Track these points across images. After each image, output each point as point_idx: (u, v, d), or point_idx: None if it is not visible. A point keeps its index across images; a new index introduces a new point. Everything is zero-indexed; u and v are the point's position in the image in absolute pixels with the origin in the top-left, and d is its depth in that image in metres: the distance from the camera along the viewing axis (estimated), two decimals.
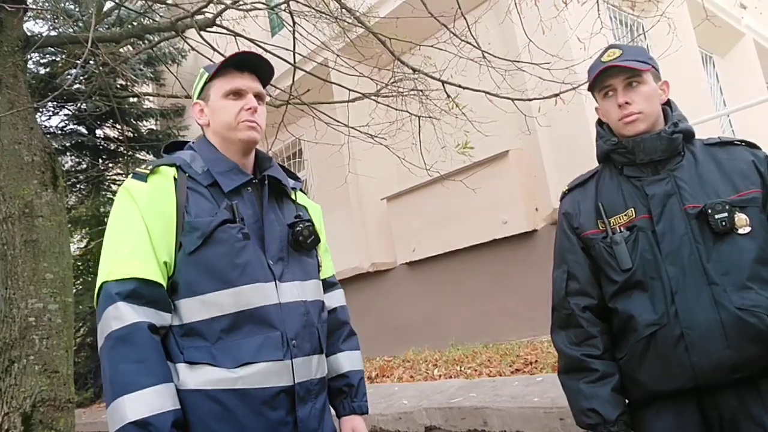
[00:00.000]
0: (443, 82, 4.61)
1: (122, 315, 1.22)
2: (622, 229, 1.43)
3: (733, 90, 8.67)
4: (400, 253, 7.07)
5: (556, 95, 4.52)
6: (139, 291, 1.25)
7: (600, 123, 1.57)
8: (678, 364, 1.33)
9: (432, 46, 4.67)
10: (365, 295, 7.27)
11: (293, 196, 1.57)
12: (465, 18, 4.43)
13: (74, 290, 8.28)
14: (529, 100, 4.80)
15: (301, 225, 1.45)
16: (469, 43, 4.52)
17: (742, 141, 1.51)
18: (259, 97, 1.46)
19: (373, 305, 7.17)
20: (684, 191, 1.39)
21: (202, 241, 1.30)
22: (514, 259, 6.06)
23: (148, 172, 1.37)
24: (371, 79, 4.93)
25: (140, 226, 1.30)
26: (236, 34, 4.70)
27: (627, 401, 1.47)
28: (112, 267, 1.27)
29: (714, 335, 1.30)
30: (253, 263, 1.34)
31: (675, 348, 1.33)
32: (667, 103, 1.53)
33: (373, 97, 4.86)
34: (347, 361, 1.59)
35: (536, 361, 4.24)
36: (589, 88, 1.55)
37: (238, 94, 1.42)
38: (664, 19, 4.53)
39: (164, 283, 1.29)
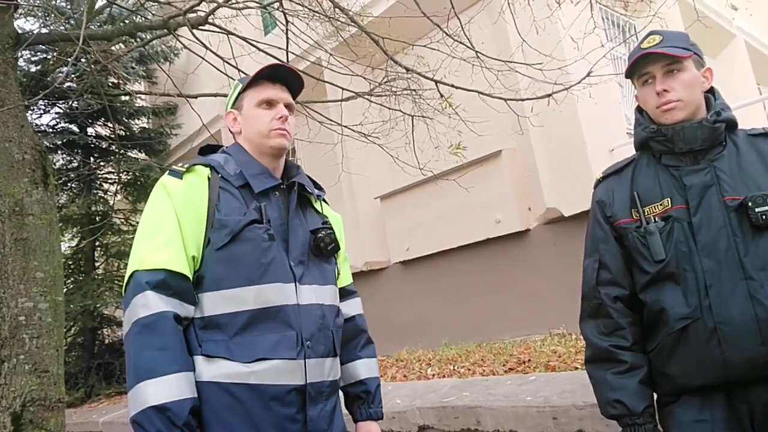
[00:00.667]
0: (436, 82, 4.61)
1: (150, 303, 1.28)
2: (656, 219, 1.40)
3: (724, 90, 8.68)
4: (393, 252, 7.07)
5: (549, 95, 4.53)
6: (167, 282, 1.30)
7: (639, 110, 1.53)
8: (710, 358, 1.31)
9: (425, 46, 4.67)
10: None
11: (318, 205, 1.63)
12: (458, 18, 4.43)
13: (65, 289, 8.22)
14: (522, 100, 4.81)
15: (323, 232, 1.52)
16: (462, 43, 4.52)
17: None
18: (289, 107, 1.53)
19: (367, 304, 7.04)
20: (724, 183, 1.35)
21: (230, 239, 1.36)
22: (507, 259, 6.07)
23: (184, 170, 1.44)
24: (364, 78, 4.93)
25: (173, 220, 1.36)
26: (229, 33, 4.69)
27: (655, 395, 1.46)
28: (143, 256, 1.33)
29: (749, 331, 1.27)
30: (277, 263, 1.39)
31: (707, 342, 1.31)
32: (711, 91, 1.48)
33: (366, 97, 4.86)
34: (365, 368, 1.65)
35: (529, 360, 4.26)
36: (627, 75, 1.51)
37: (270, 103, 1.50)
38: (657, 19, 4.55)
39: (191, 277, 1.35)
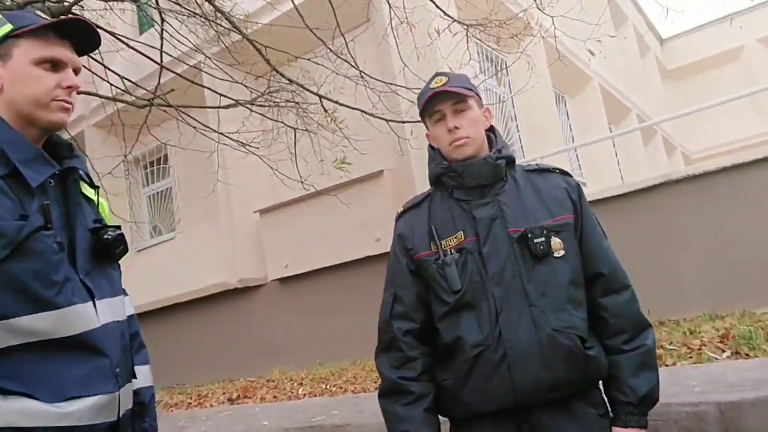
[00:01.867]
0: (320, 97, 4.61)
1: None
2: (452, 251, 1.45)
3: (580, 127, 9.68)
4: (271, 268, 6.87)
5: None
6: None
7: (432, 147, 1.62)
8: (501, 383, 1.36)
9: (309, 59, 4.66)
10: (231, 313, 6.95)
11: (90, 193, 1.32)
12: (343, 36, 4.48)
13: None
14: (403, 122, 4.96)
15: (110, 232, 1.24)
16: (347, 61, 4.58)
17: (556, 169, 1.59)
18: (76, 72, 1.24)
19: (239, 324, 6.88)
20: (507, 215, 1.45)
21: (8, 252, 1.05)
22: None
23: None
24: (246, 87, 4.80)
25: None
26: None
27: (450, 419, 1.50)
28: None
29: (533, 355, 1.34)
30: (72, 279, 1.13)
31: (498, 368, 1.36)
32: (491, 130, 1.60)
33: (247, 106, 4.72)
34: (140, 376, 1.40)
35: None
36: (421, 114, 1.59)
37: (55, 64, 1.19)
38: (525, 57, 4.94)
39: None
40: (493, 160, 1.49)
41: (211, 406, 5.03)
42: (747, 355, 2.97)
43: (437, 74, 1.56)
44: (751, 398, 2.11)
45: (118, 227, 1.28)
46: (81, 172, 1.27)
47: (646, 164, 11.03)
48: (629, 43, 13.45)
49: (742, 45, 16.53)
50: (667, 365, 3.13)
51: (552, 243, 1.41)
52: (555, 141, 7.35)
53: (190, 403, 5.44)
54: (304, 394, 4.53)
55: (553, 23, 4.55)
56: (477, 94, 1.55)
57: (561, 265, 1.41)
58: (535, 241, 1.40)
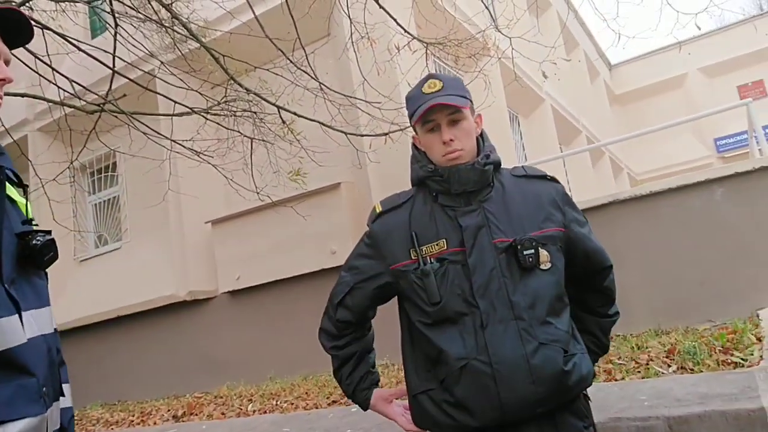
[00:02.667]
0: (279, 108, 4.56)
1: None
2: (432, 260, 1.39)
3: (533, 146, 9.97)
4: (222, 281, 6.71)
5: (386, 134, 4.73)
6: None
7: (416, 148, 1.55)
8: (487, 398, 1.32)
9: (269, 70, 4.61)
10: (179, 327, 6.73)
11: (16, 194, 1.20)
12: (304, 48, 4.45)
13: None
14: (361, 135, 4.96)
15: (39, 237, 1.12)
16: (306, 73, 4.55)
17: (546, 175, 1.54)
18: (6, 64, 1.15)
19: (187, 337, 6.67)
20: (493, 224, 1.40)
21: None
22: None
23: None
24: (201, 94, 4.69)
25: None
26: (45, 27, 4.16)
27: None
28: None
29: (520, 370, 1.31)
30: None
31: (484, 383, 1.32)
32: (480, 134, 1.54)
33: (203, 114, 4.62)
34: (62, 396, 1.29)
35: None
36: (410, 118, 1.51)
37: None
38: (482, 76, 5.04)
39: None
40: (480, 166, 1.43)
41: (155, 423, 4.83)
42: (692, 369, 3.08)
43: (430, 77, 1.48)
44: (698, 412, 2.18)
45: (48, 232, 1.15)
46: (8, 171, 1.15)
47: (595, 184, 11.44)
48: (580, 68, 13.99)
49: (685, 73, 17.49)
50: (616, 380, 3.21)
51: (540, 255, 1.38)
52: (508, 159, 7.53)
53: (132, 421, 5.21)
54: (254, 411, 4.41)
55: (510, 45, 4.67)
56: (470, 100, 1.49)
57: (547, 278, 1.39)
58: (525, 252, 1.36)
